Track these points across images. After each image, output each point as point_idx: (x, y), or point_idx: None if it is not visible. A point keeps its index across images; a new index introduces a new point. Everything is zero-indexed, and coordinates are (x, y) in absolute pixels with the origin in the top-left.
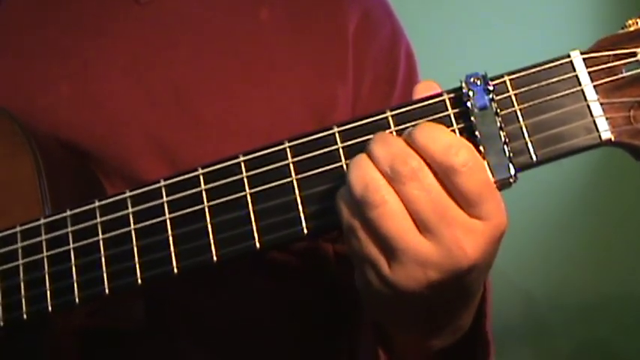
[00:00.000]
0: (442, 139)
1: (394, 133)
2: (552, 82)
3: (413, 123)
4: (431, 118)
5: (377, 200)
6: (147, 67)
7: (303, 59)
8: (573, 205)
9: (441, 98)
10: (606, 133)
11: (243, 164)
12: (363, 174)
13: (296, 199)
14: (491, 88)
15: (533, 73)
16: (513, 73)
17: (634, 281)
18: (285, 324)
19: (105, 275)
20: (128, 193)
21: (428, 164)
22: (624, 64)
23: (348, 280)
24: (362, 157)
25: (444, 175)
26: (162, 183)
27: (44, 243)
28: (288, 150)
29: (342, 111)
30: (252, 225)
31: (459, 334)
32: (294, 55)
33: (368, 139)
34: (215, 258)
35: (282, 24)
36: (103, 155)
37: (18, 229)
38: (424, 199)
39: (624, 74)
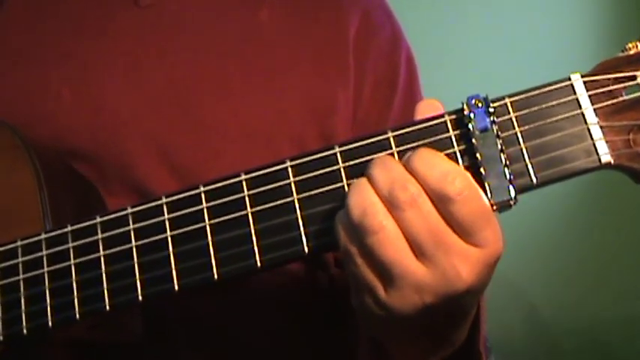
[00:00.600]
0: (439, 167)
1: (395, 153)
2: (553, 105)
3: (414, 144)
4: (432, 139)
5: (375, 226)
6: (147, 70)
7: (303, 61)
8: (575, 212)
9: (442, 120)
10: (606, 157)
11: (244, 182)
12: (362, 198)
13: (297, 218)
14: (492, 110)
15: (534, 95)
16: (514, 95)
17: (637, 287)
18: (284, 327)
19: (106, 291)
20: (130, 210)
21: (425, 191)
22: (624, 87)
23: (346, 283)
24: (361, 181)
25: (439, 203)
26: (164, 200)
27: (45, 258)
28: (289, 169)
29: (342, 114)
30: (253, 244)
31: (453, 348)
32: (294, 56)
33: (369, 160)
34: (216, 276)
35: (282, 26)
36: (103, 159)
37: (19, 243)
38: (422, 226)
39: (624, 97)
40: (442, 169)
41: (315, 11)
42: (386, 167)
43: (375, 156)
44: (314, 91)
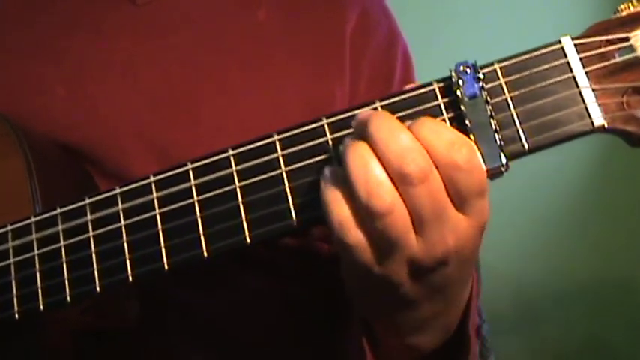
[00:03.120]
0: (445, 135)
1: None
2: (543, 69)
3: (403, 113)
4: (421, 107)
5: (384, 209)
6: (143, 68)
7: (301, 59)
8: (565, 195)
9: (430, 87)
10: (599, 120)
11: (232, 158)
12: (368, 175)
13: (285, 190)
14: (481, 76)
15: (524, 60)
16: (503, 60)
17: (624, 269)
18: (282, 323)
19: (96, 272)
20: (118, 190)
21: (433, 161)
22: (617, 49)
23: (344, 280)
24: (362, 150)
25: (445, 170)
26: (152, 179)
27: (35, 241)
28: (277, 142)
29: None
30: (242, 218)
31: (444, 335)
32: (291, 54)
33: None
34: (206, 253)
35: (279, 24)
36: (98, 157)
37: (9, 227)
38: (428, 201)
39: (617, 59)
40: (448, 137)
41: (312, 9)
42: (393, 134)
43: None
44: (311, 88)
